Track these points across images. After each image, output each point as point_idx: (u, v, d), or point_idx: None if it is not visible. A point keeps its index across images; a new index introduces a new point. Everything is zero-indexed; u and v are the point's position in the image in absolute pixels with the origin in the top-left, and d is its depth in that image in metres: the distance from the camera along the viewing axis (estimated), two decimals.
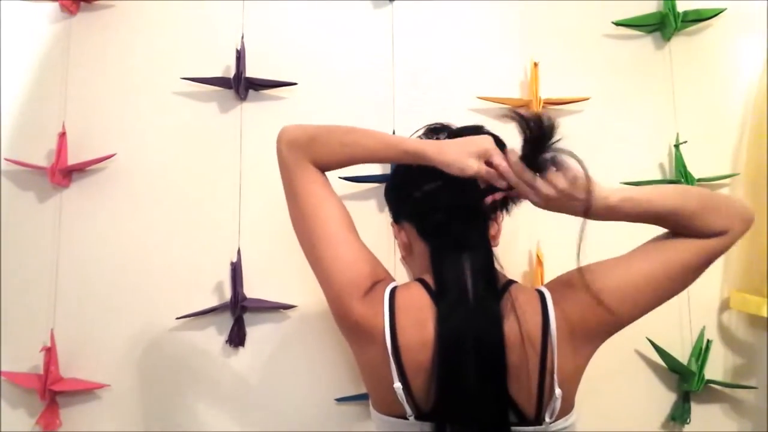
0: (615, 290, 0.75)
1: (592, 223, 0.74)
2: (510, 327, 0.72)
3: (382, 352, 0.74)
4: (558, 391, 0.72)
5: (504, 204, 0.84)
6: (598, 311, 0.74)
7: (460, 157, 0.73)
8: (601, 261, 0.79)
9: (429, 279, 0.79)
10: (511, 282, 0.79)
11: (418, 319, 0.74)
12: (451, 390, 0.71)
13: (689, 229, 0.76)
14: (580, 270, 0.76)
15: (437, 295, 0.76)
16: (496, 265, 0.80)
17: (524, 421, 0.73)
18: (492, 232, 0.84)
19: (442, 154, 0.74)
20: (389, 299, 0.76)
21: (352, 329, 0.78)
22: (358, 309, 0.76)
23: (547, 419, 0.73)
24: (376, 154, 0.79)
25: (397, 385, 0.73)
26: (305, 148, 0.79)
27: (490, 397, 0.71)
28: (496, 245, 0.84)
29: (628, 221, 0.77)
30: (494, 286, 0.76)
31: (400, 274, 1.17)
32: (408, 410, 0.74)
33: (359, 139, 0.79)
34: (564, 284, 0.79)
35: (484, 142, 0.75)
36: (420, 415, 0.74)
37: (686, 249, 0.76)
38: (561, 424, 0.75)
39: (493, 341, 0.71)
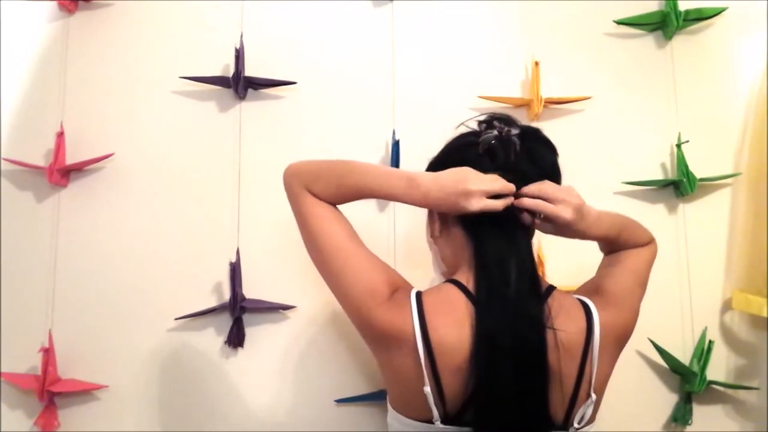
0: (627, 296, 0.84)
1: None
2: (551, 331, 0.72)
3: (413, 356, 0.71)
4: (594, 397, 0.74)
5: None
6: (626, 316, 0.82)
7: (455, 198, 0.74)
8: (597, 277, 0.90)
9: (463, 278, 0.77)
10: (553, 287, 0.79)
11: (453, 317, 0.73)
12: (488, 393, 0.70)
13: (629, 243, 0.89)
14: (600, 282, 0.86)
15: (476, 292, 0.74)
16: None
17: (551, 425, 0.73)
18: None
19: (430, 193, 0.75)
20: (416, 301, 0.74)
21: (378, 337, 0.76)
22: (381, 315, 0.74)
23: (575, 424, 0.74)
24: (377, 194, 0.80)
25: (427, 389, 0.71)
26: (308, 184, 0.81)
27: (529, 402, 0.70)
28: None
29: (591, 238, 0.85)
30: (538, 289, 0.76)
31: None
32: (435, 414, 0.72)
33: (358, 182, 0.79)
34: (592, 293, 0.83)
35: (470, 189, 0.73)
36: (446, 419, 0.73)
37: (639, 258, 0.89)
38: (586, 429, 0.76)
39: (535, 344, 0.71)
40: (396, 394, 0.79)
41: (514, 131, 0.78)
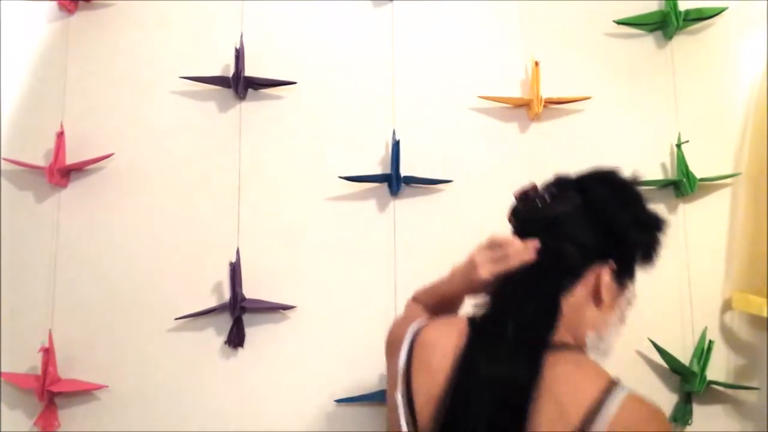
0: None
1: None
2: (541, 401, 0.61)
3: (399, 355, 0.73)
4: None
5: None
6: None
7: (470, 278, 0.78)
8: None
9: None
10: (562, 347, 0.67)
11: (447, 327, 0.73)
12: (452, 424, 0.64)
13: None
14: None
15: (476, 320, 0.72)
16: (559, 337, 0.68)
17: None
18: (578, 293, 0.71)
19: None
20: (426, 319, 0.78)
21: (388, 345, 0.79)
22: (393, 328, 0.80)
23: None
24: (448, 299, 0.87)
25: (398, 395, 0.69)
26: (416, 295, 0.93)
27: None
28: (600, 309, 0.72)
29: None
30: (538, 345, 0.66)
31: (401, 271, 1.16)
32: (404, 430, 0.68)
33: (436, 288, 0.89)
34: None
35: (476, 261, 0.77)
36: None
37: None
38: None
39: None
40: (388, 412, 0.76)
41: (542, 188, 0.78)
